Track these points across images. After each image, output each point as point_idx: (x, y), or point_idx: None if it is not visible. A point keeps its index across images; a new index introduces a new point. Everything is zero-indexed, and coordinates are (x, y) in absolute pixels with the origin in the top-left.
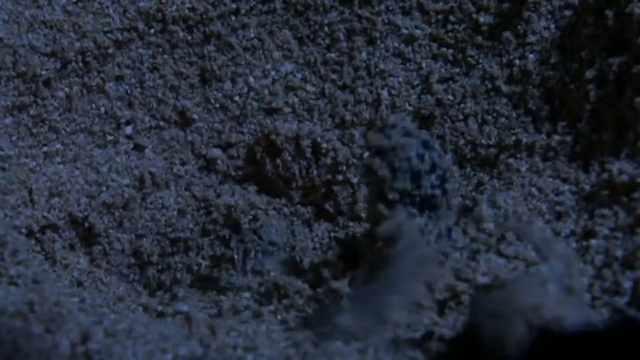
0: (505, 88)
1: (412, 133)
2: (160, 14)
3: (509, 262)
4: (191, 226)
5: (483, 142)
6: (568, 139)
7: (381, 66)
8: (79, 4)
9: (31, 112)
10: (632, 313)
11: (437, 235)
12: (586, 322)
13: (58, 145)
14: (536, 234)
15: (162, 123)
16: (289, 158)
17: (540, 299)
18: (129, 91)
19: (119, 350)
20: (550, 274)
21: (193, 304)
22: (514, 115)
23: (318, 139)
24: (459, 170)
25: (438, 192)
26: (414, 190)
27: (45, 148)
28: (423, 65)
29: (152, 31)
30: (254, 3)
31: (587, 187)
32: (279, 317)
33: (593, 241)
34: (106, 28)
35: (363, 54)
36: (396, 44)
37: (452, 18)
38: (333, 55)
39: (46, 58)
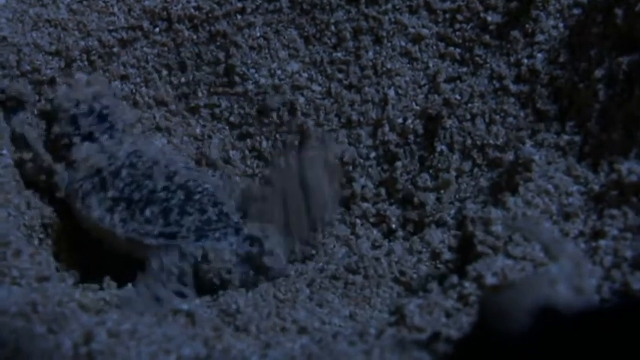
0: (513, 88)
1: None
2: (165, 13)
3: (516, 263)
4: None
5: (491, 141)
6: (577, 138)
7: (388, 65)
8: (84, 2)
9: (35, 111)
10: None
11: None
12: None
13: None
14: (544, 234)
15: None
16: None
17: (550, 299)
18: (134, 90)
19: (122, 351)
20: (560, 274)
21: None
22: (522, 114)
23: None
24: (466, 170)
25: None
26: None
27: None
28: (430, 64)
29: (157, 29)
30: (260, 2)
31: (595, 187)
32: None
33: (601, 242)
34: (111, 27)
35: (370, 53)
36: (403, 43)
37: (459, 17)
38: (339, 54)
39: (50, 57)
